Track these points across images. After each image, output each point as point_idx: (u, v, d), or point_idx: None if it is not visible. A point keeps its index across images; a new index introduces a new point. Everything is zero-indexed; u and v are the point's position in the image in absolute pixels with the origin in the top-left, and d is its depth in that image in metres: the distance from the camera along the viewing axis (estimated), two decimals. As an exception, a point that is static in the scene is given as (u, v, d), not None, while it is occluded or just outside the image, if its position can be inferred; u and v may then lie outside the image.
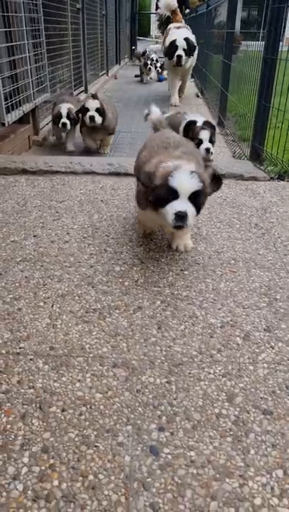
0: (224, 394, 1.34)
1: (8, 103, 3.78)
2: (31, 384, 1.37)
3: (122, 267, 2.02)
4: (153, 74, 10.51)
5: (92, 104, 4.01)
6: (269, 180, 3.21)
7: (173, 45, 6.24)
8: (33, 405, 1.29)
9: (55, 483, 1.08)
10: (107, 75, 10.61)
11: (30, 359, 1.47)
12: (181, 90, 7.39)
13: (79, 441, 1.18)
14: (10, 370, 1.42)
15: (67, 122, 4.18)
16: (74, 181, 3.13)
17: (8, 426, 1.22)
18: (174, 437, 1.20)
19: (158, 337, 1.58)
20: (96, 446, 1.17)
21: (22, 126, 4.38)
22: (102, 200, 2.78)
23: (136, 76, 11.63)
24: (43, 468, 1.11)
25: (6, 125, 3.75)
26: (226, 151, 4.65)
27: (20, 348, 1.52)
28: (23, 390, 1.34)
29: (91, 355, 1.49)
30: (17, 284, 1.88)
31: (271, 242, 2.28)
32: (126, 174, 3.26)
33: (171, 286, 1.88)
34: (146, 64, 10.48)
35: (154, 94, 8.77)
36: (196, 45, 6.55)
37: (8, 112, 3.84)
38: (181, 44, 6.23)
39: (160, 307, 1.74)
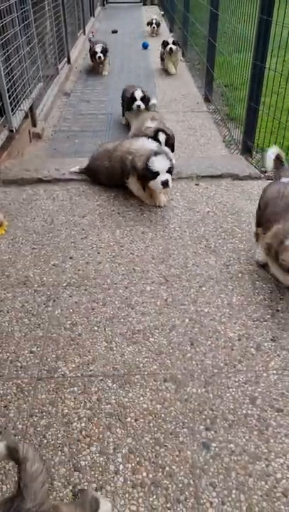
0: (248, 398, 1.87)
1: (13, 108, 3.98)
2: (107, 401, 1.86)
3: (152, 286, 2.48)
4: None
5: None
6: (261, 178, 3.62)
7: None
8: (114, 418, 1.80)
9: (144, 474, 1.61)
10: (84, 33, 10.32)
11: (101, 379, 1.96)
12: None
13: (153, 442, 1.71)
14: (88, 391, 1.91)
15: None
16: (88, 190, 3.48)
17: (101, 435, 1.73)
18: (218, 434, 1.73)
19: (192, 352, 2.08)
20: (165, 445, 1.70)
21: (22, 122, 4.56)
22: (119, 213, 3.16)
23: (113, 32, 11.33)
24: (133, 464, 1.64)
25: (14, 131, 3.98)
26: (216, 135, 4.96)
27: (90, 370, 2.00)
28: (102, 406, 1.84)
29: (145, 372, 1.98)
30: (71, 310, 2.33)
31: (269, 251, 2.74)
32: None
33: (194, 303, 2.36)
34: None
35: (135, 60, 8.71)
36: None
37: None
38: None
39: (189, 325, 2.23)
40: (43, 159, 4.34)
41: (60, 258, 2.72)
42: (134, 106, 4.75)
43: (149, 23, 10.58)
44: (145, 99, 4.76)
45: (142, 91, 4.79)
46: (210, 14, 5.45)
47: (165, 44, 7.07)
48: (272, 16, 3.34)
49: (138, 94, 4.75)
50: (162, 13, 11.25)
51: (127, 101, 4.86)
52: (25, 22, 4.48)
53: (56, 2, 6.69)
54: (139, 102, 4.74)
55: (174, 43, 6.99)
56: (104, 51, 7.29)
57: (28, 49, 4.53)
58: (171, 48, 7.00)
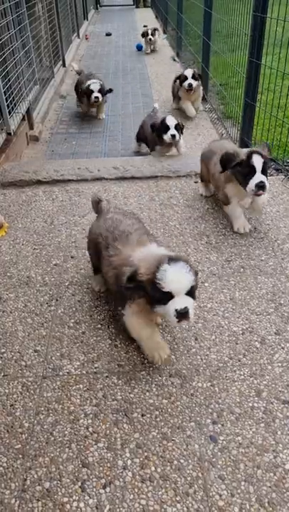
0: (253, 391, 1.87)
1: (10, 111, 3.99)
2: (113, 397, 1.86)
3: (154, 284, 2.48)
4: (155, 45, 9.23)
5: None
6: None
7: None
8: (120, 413, 1.80)
9: (152, 468, 1.61)
10: (78, 36, 10.37)
11: (106, 376, 1.96)
12: None
13: (160, 437, 1.71)
14: (94, 387, 1.91)
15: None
16: (87, 190, 3.48)
17: (108, 431, 1.73)
18: (225, 427, 1.73)
19: (196, 347, 2.08)
20: (173, 439, 1.70)
21: (20, 125, 4.57)
22: (118, 212, 3.16)
23: (107, 34, 11.39)
24: (141, 459, 1.64)
25: (12, 134, 3.98)
26: (213, 134, 4.98)
27: (95, 367, 2.00)
28: (109, 403, 1.84)
29: (151, 368, 1.98)
30: (74, 309, 2.33)
31: (270, 246, 2.75)
32: (132, 178, 3.63)
33: (197, 299, 2.36)
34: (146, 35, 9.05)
35: (130, 61, 8.75)
36: None
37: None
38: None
39: (192, 320, 2.22)
40: (41, 161, 4.34)
41: (62, 258, 2.72)
42: (168, 136, 3.80)
43: (144, 34, 9.03)
44: (179, 127, 3.84)
45: (173, 116, 3.91)
46: (204, 13, 5.48)
47: (182, 79, 5.18)
48: (267, 13, 3.36)
49: (171, 120, 3.78)
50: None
51: (158, 129, 3.86)
52: (20, 25, 4.50)
53: (50, 6, 6.72)
54: (173, 131, 3.78)
55: (194, 77, 5.12)
56: (103, 90, 5.39)
57: (23, 52, 4.54)
58: (190, 84, 5.10)
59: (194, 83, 5.12)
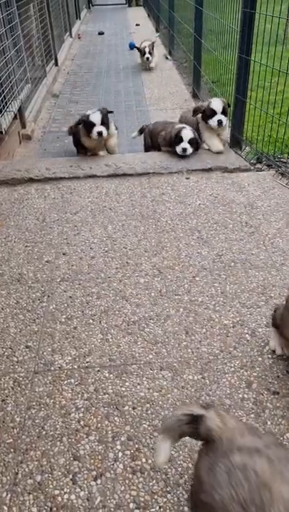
0: (244, 382, 1.88)
1: (1, 110, 3.98)
2: (105, 391, 1.87)
3: (145, 279, 2.49)
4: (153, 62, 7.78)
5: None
6: (250, 170, 3.65)
7: None
8: (111, 407, 1.80)
9: (143, 460, 1.62)
10: (71, 36, 10.36)
11: (98, 370, 1.96)
12: None
13: (151, 429, 1.71)
14: (85, 382, 1.91)
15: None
16: (79, 188, 3.49)
17: (99, 424, 1.74)
18: (215, 419, 1.74)
19: (188, 341, 2.09)
20: (164, 431, 1.70)
21: (12, 124, 4.57)
22: (110, 209, 3.18)
23: (99, 33, 11.39)
24: (132, 451, 1.64)
25: (4, 132, 3.98)
26: (206, 131, 4.97)
27: (87, 362, 2.01)
28: (100, 396, 1.85)
29: (142, 362, 1.99)
30: (65, 305, 2.34)
31: (261, 240, 2.76)
32: (124, 175, 3.64)
33: (188, 293, 2.37)
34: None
35: (122, 60, 8.75)
36: None
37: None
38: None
39: (184, 314, 2.24)
40: (33, 160, 4.34)
41: (54, 254, 2.72)
42: (179, 149, 3.71)
43: (142, 52, 7.56)
44: (194, 142, 3.73)
45: (191, 130, 3.75)
46: (195, 11, 5.49)
47: (208, 113, 3.81)
48: (256, 8, 3.37)
49: (187, 133, 3.69)
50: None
51: (174, 142, 3.73)
52: (11, 24, 4.49)
53: (41, 5, 6.71)
54: (185, 145, 3.71)
55: (224, 112, 3.79)
56: (106, 119, 3.89)
57: (14, 51, 4.54)
58: (220, 122, 3.77)
59: (225, 120, 3.82)
